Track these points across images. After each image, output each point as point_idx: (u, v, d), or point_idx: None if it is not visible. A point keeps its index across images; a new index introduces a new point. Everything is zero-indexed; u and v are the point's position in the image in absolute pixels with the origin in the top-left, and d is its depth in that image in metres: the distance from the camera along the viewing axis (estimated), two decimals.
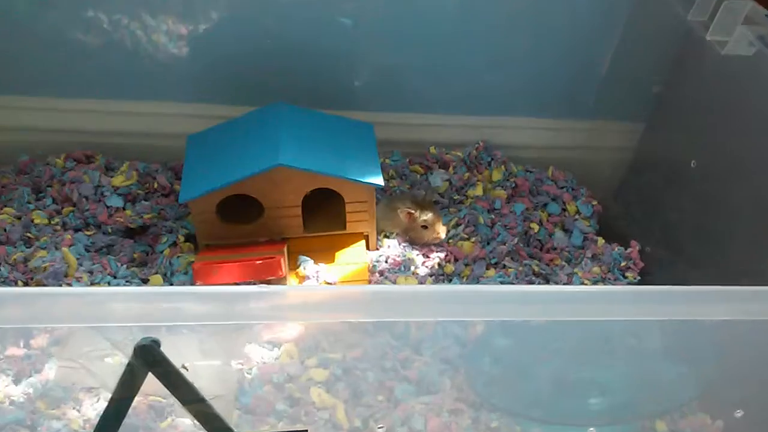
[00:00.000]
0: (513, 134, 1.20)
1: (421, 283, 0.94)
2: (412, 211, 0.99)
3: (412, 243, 1.01)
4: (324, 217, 0.99)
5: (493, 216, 1.10)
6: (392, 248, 0.99)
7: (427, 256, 1.00)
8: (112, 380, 0.55)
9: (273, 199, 0.92)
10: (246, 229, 0.94)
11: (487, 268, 1.02)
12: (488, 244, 1.06)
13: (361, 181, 0.92)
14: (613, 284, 0.99)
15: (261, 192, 0.91)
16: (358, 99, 1.14)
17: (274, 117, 0.97)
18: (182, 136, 1.01)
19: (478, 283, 1.00)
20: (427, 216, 1.00)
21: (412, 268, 0.97)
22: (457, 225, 1.07)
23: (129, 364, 0.53)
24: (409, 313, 0.58)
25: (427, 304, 0.58)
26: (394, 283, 0.93)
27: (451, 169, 1.16)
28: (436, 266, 0.99)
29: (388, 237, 1.01)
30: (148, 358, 0.52)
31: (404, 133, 1.17)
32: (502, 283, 0.98)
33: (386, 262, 0.97)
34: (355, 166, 0.93)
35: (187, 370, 0.56)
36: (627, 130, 1.17)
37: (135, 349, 0.52)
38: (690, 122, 1.04)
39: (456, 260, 1.02)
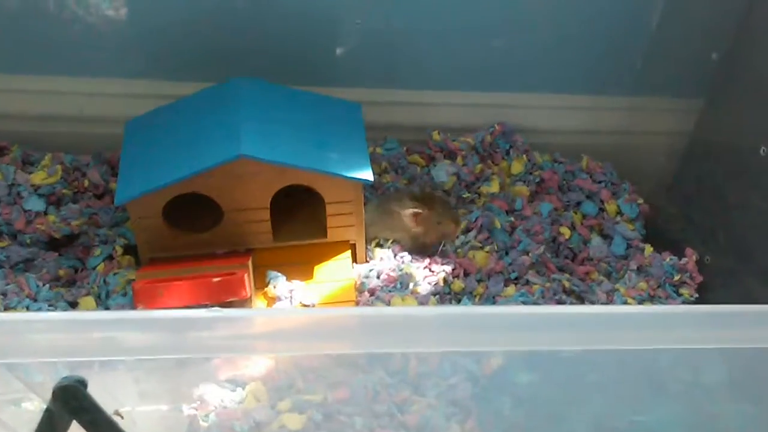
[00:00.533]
0: (537, 115, 1.20)
1: (422, 304, 0.94)
2: (419, 211, 1.00)
3: (421, 249, 1.01)
4: (299, 223, 0.98)
5: (512, 219, 1.10)
6: (386, 260, 0.99)
7: (431, 270, 1.00)
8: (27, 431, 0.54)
9: (234, 200, 0.92)
10: (200, 238, 0.94)
11: (506, 285, 1.02)
12: (507, 254, 1.06)
13: (345, 176, 0.92)
14: (664, 303, 0.99)
15: (219, 191, 0.91)
16: (341, 72, 1.14)
17: (235, 96, 0.97)
18: (120, 121, 1.01)
19: (494, 303, 1.00)
20: (438, 210, 1.01)
21: (411, 285, 0.97)
22: (468, 230, 1.07)
23: (47, 411, 0.52)
24: (407, 342, 0.59)
25: (430, 331, 0.58)
26: (389, 304, 0.93)
27: (459, 159, 1.16)
28: (442, 283, 0.99)
29: (381, 246, 1.02)
30: (71, 403, 0.51)
31: (400, 115, 1.17)
32: (524, 303, 0.99)
33: (378, 278, 0.97)
34: (338, 157, 0.93)
35: (122, 417, 0.55)
36: (681, 109, 1.18)
37: (54, 391, 0.51)
38: (760, 100, 1.04)
39: (466, 275, 1.02)
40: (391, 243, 1.02)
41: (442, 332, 0.58)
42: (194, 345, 0.53)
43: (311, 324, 0.57)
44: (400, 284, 0.97)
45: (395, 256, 1.00)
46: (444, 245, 1.03)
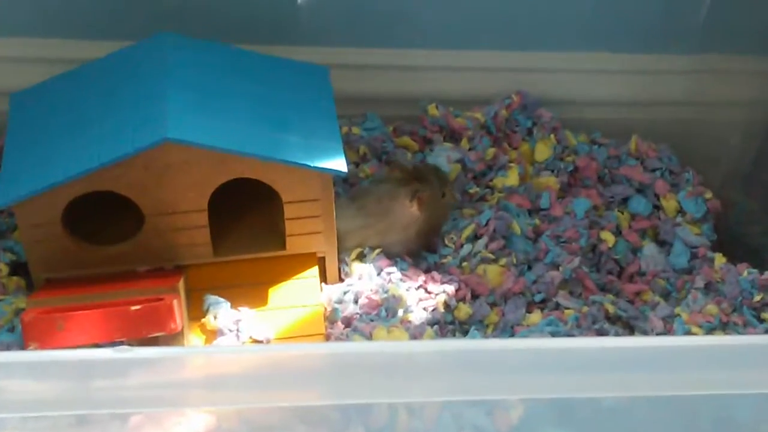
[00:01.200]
0: (569, 82, 1.20)
1: (415, 337, 0.94)
2: (423, 192, 1.02)
3: (429, 242, 1.04)
4: (248, 230, 0.98)
5: (537, 221, 1.10)
6: (366, 279, 0.99)
7: (427, 291, 1.00)
8: None
9: (159, 201, 0.92)
10: (114, 251, 0.94)
11: (529, 310, 1.02)
12: (530, 268, 1.06)
13: (310, 167, 0.92)
14: (742, 333, 0.99)
15: (138, 189, 0.91)
16: (304, 27, 1.15)
17: (159, 59, 0.97)
18: (3, 93, 1.01)
19: (512, 336, 0.99)
20: (436, 181, 1.05)
21: (401, 312, 0.97)
22: (476, 237, 1.07)
23: None
24: (395, 389, 0.58)
25: (425, 374, 0.58)
26: (370, 338, 0.93)
27: (465, 141, 1.16)
28: (442, 308, 0.99)
29: (364, 258, 1.02)
30: None
31: (384, 83, 1.17)
32: (553, 335, 0.98)
33: (356, 302, 0.97)
34: (300, 140, 0.93)
35: None
36: (760, 71, 1.19)
37: None
38: None
39: (475, 297, 1.02)
40: (376, 254, 1.01)
41: (441, 375, 0.58)
42: (103, 397, 0.52)
43: (266, 366, 0.56)
44: (386, 311, 0.96)
45: (379, 272, 1.00)
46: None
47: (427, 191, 1.03)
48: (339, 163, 0.93)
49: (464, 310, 0.99)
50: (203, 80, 0.96)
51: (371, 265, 1.01)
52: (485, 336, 0.98)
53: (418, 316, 0.97)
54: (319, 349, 0.65)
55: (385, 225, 1.03)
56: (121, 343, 0.85)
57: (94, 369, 0.53)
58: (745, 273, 1.04)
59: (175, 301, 0.87)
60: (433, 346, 0.67)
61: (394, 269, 1.01)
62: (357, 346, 0.71)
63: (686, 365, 0.61)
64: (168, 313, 0.87)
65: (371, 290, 0.97)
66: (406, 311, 0.97)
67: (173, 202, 0.92)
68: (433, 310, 0.98)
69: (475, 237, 1.06)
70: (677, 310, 1.01)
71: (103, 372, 0.54)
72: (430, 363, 0.59)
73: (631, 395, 0.62)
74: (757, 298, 1.02)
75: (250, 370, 0.56)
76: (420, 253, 1.05)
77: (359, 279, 0.99)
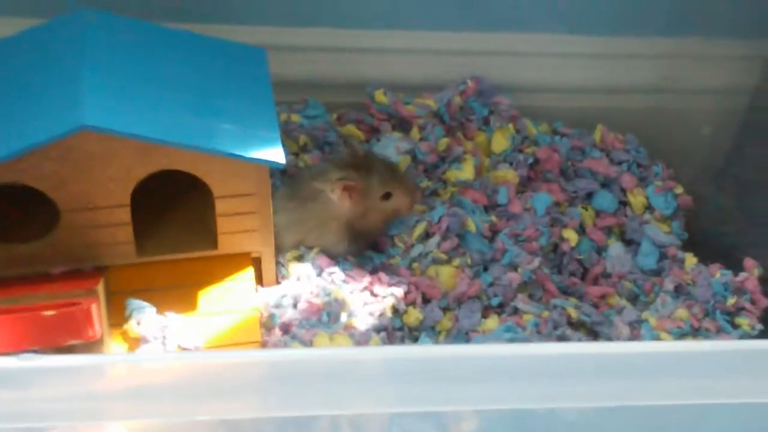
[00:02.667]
0: (530, 66, 1.21)
1: (360, 345, 0.94)
2: (351, 182, 1.01)
3: (365, 244, 1.03)
4: (175, 227, 0.98)
5: (494, 218, 1.11)
6: (305, 281, 0.99)
7: (373, 294, 1.01)
8: None
9: (76, 195, 0.91)
10: (25, 250, 0.93)
11: (485, 315, 1.03)
12: (486, 270, 1.06)
13: (243, 158, 0.92)
14: (713, 339, 1.00)
15: (52, 181, 0.90)
16: (239, 3, 1.14)
17: (76, 38, 0.96)
18: None
19: (467, 342, 1.00)
20: (381, 177, 1.02)
21: (345, 317, 0.97)
22: (428, 236, 1.07)
23: None
24: (337, 400, 0.58)
25: (371, 383, 0.58)
26: (310, 345, 0.93)
27: (415, 131, 1.16)
28: (390, 313, 0.99)
29: (302, 258, 1.02)
30: None
31: (327, 66, 1.18)
32: (511, 341, 0.99)
33: (295, 307, 0.98)
34: (233, 128, 0.93)
35: None
36: (740, 55, 1.20)
37: None
38: None
39: (426, 301, 1.02)
40: (315, 253, 1.01)
41: (388, 384, 0.59)
42: (6, 411, 0.52)
43: (195, 375, 0.56)
44: (328, 315, 0.97)
45: (320, 273, 1.00)
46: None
47: (358, 183, 1.01)
48: (276, 154, 0.93)
49: (414, 315, 1.00)
50: (126, 62, 0.95)
51: (310, 264, 1.01)
52: (436, 343, 0.99)
53: (363, 321, 0.97)
54: (254, 355, 0.64)
55: (311, 214, 1.03)
56: (33, 352, 0.87)
57: (6, 378, 0.53)
58: (718, 275, 1.05)
59: (93, 306, 0.86)
60: (379, 352, 0.67)
61: (335, 269, 1.01)
62: (295, 353, 0.71)
63: (655, 373, 0.62)
64: (85, 319, 0.86)
65: (311, 293, 0.97)
66: (350, 316, 0.97)
67: (92, 196, 0.91)
68: (379, 315, 0.99)
69: (426, 235, 1.07)
70: (645, 314, 1.03)
71: (6, 383, 0.53)
72: (375, 371, 0.59)
73: (593, 406, 0.63)
74: (731, 301, 1.03)
75: (176, 380, 0.56)
76: (344, 256, 1.04)
77: (298, 280, 0.99)
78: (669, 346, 0.77)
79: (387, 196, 1.03)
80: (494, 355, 0.63)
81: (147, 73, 0.95)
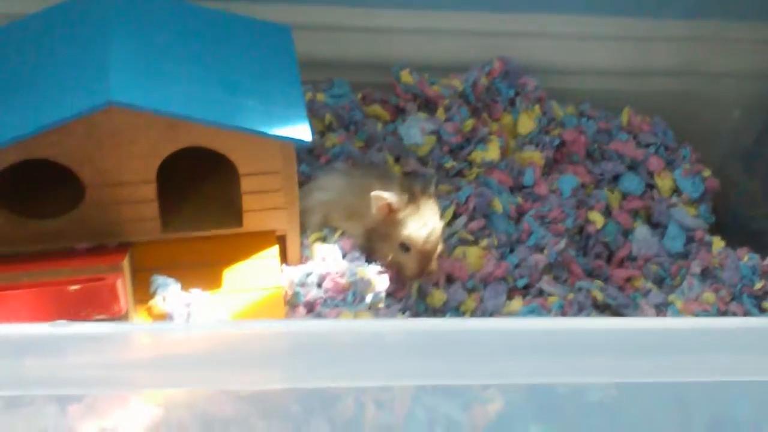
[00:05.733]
0: (557, 47, 1.21)
1: None
2: (395, 205, 0.99)
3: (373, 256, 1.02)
4: (201, 205, 0.98)
5: (520, 199, 1.10)
6: (330, 261, 0.99)
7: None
8: None
9: (102, 171, 0.91)
10: (51, 226, 0.93)
11: (510, 297, 1.03)
12: (511, 251, 1.06)
13: (269, 135, 0.91)
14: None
15: (78, 157, 0.90)
16: None
17: (103, 14, 0.96)
18: None
19: None
20: (417, 225, 0.99)
21: (369, 297, 0.97)
22: (455, 216, 1.07)
23: None
24: (362, 372, 0.58)
25: (395, 356, 0.58)
26: None
27: (441, 112, 1.16)
28: (414, 294, 0.99)
29: (325, 240, 1.02)
30: None
31: (353, 46, 1.18)
32: None
33: (319, 285, 0.97)
34: (258, 105, 0.93)
35: None
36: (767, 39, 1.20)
37: None
38: None
39: (451, 282, 1.02)
40: (338, 236, 1.01)
41: (412, 357, 0.58)
42: (38, 376, 0.52)
43: (221, 345, 0.56)
44: (353, 295, 0.96)
45: (344, 254, 1.00)
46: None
47: (399, 211, 0.99)
48: (302, 131, 0.92)
49: (439, 296, 1.00)
50: (153, 38, 0.95)
51: (335, 246, 1.00)
52: None
53: (387, 301, 0.97)
54: (277, 327, 0.64)
55: (353, 201, 1.02)
56: None
57: (26, 346, 0.53)
58: (746, 258, 1.05)
59: (118, 281, 0.86)
60: (403, 325, 0.67)
61: (358, 254, 1.00)
62: (319, 323, 0.70)
63: (681, 348, 0.61)
64: (111, 294, 0.86)
65: (336, 272, 0.97)
66: (375, 297, 0.97)
67: (118, 173, 0.91)
68: (404, 296, 0.99)
69: (453, 216, 1.07)
70: (671, 297, 1.02)
71: (38, 349, 0.53)
72: (400, 344, 0.59)
73: (618, 381, 0.62)
74: (758, 285, 1.03)
75: (204, 349, 0.56)
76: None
77: (323, 261, 0.99)
78: (697, 321, 0.77)
79: (404, 247, 1.00)
80: (517, 330, 0.63)
81: (174, 50, 0.95)
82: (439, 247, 1.01)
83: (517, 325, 0.65)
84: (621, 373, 0.61)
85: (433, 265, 1.01)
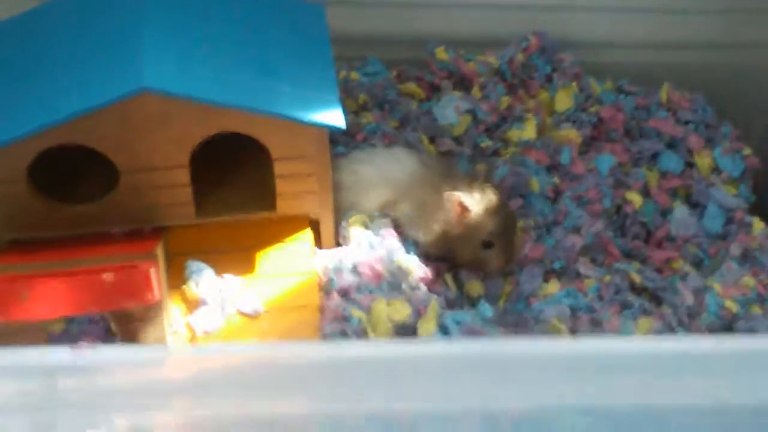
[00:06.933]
0: (594, 22, 1.20)
1: (418, 311, 0.93)
2: (468, 206, 0.98)
3: (441, 251, 1.01)
4: (234, 189, 0.98)
5: (556, 179, 1.10)
6: (365, 246, 0.98)
7: (433, 262, 1.00)
8: None
9: (135, 156, 0.92)
10: (86, 211, 0.94)
11: (546, 279, 1.03)
12: (548, 232, 1.06)
13: (302, 121, 0.91)
14: None
15: (112, 142, 0.91)
16: None
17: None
18: None
19: (527, 307, 1.00)
20: (499, 226, 0.99)
21: (405, 285, 0.96)
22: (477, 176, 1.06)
23: None
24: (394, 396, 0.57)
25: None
26: (368, 311, 0.92)
27: (476, 89, 1.15)
28: (452, 285, 0.99)
29: (367, 225, 1.00)
30: None
31: (387, 22, 1.18)
32: (572, 307, 0.98)
33: (354, 271, 0.97)
34: (291, 89, 0.93)
35: None
36: None
37: None
38: None
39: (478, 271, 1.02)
40: (384, 224, 1.00)
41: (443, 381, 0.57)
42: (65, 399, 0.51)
43: (264, 363, 0.55)
44: (388, 284, 0.96)
45: (383, 240, 0.99)
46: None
47: (475, 213, 0.99)
48: (336, 117, 0.92)
49: (475, 286, 1.00)
50: (185, 21, 0.95)
51: (373, 233, 0.99)
52: (498, 309, 0.98)
53: (422, 290, 0.96)
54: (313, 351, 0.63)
55: (426, 198, 1.00)
56: (94, 315, 0.88)
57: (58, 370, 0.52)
58: None
59: (152, 269, 0.86)
60: (437, 348, 0.65)
61: (398, 244, 0.99)
62: (356, 347, 0.69)
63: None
64: (144, 282, 0.85)
65: (371, 259, 0.97)
66: (410, 286, 0.96)
67: (151, 158, 0.92)
68: (438, 283, 0.99)
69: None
70: (710, 281, 1.01)
71: (67, 369, 0.52)
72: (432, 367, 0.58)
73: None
74: None
75: (231, 373, 0.55)
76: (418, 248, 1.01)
77: (357, 246, 0.98)
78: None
79: (487, 245, 1.00)
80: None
81: (205, 33, 0.95)
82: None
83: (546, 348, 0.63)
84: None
85: (517, 254, 1.01)
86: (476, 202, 0.99)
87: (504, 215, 1.00)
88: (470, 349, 0.61)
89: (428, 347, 0.63)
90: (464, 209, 0.99)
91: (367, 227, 1.00)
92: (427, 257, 1.00)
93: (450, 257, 1.02)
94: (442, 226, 1.00)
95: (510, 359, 0.60)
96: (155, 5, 0.95)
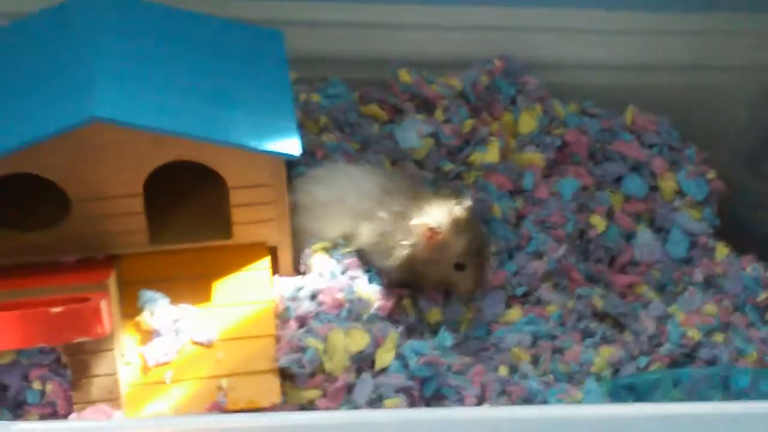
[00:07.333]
0: (559, 43, 1.20)
1: (377, 341, 0.92)
2: (437, 230, 0.96)
3: (409, 278, 0.99)
4: (190, 216, 0.98)
5: (519, 203, 1.09)
6: (327, 275, 0.97)
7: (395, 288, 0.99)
8: None
9: (87, 185, 0.91)
10: (37, 239, 0.93)
11: (509, 305, 1.02)
12: (510, 258, 1.05)
13: (258, 150, 0.91)
14: (744, 335, 0.98)
15: (63, 171, 0.90)
16: None
17: (90, 20, 0.95)
18: None
19: (489, 333, 0.99)
20: (468, 246, 0.97)
21: (366, 316, 0.95)
22: (442, 191, 1.04)
23: None
24: None
25: None
26: (325, 339, 0.91)
27: (439, 112, 1.15)
28: (411, 313, 0.99)
29: (329, 251, 0.98)
30: None
31: (350, 43, 1.17)
32: (534, 334, 0.98)
33: (312, 299, 0.95)
34: (246, 117, 0.93)
35: None
36: None
37: None
38: None
39: (448, 293, 1.01)
40: (347, 252, 0.98)
41: None
42: None
43: None
44: (348, 312, 0.94)
45: (344, 271, 0.98)
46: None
47: (442, 235, 0.96)
48: (292, 145, 0.92)
49: (434, 314, 1.00)
50: (139, 46, 0.95)
51: (335, 260, 0.98)
52: (458, 337, 0.97)
53: (383, 319, 0.96)
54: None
55: (389, 227, 0.98)
56: (41, 349, 0.87)
57: None
58: (749, 269, 1.03)
59: (102, 302, 0.85)
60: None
61: (360, 275, 0.97)
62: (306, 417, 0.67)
63: None
64: (94, 316, 0.84)
65: (332, 287, 0.95)
66: (370, 317, 0.95)
67: (104, 186, 0.91)
68: (400, 314, 0.98)
69: None
70: (672, 309, 1.01)
71: None
72: None
73: None
74: (763, 296, 1.01)
75: None
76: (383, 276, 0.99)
77: (319, 276, 0.97)
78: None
79: (459, 267, 0.98)
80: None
81: (161, 58, 0.95)
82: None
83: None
84: None
85: (486, 276, 1.00)
86: (445, 223, 0.97)
87: (475, 234, 0.99)
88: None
89: None
90: (433, 233, 0.97)
91: (330, 255, 0.99)
92: (390, 284, 0.99)
93: (416, 281, 1.00)
94: (409, 251, 0.98)
95: None
96: (109, 29, 0.95)
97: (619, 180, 1.14)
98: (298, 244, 0.99)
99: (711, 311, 1.00)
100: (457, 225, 0.98)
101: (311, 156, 1.08)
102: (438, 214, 0.97)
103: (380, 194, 1.00)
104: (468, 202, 1.00)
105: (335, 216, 1.00)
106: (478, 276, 0.99)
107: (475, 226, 1.00)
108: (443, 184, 1.08)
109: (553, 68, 1.19)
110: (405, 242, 0.98)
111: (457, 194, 1.02)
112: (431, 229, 0.97)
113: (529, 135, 1.15)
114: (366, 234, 0.99)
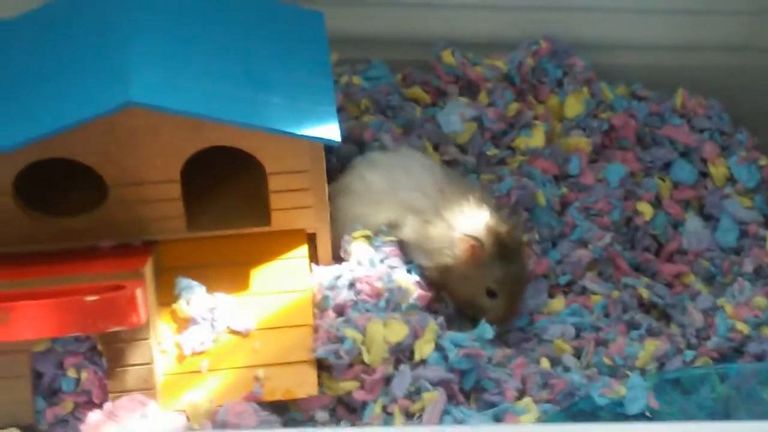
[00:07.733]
0: (606, 24, 1.18)
1: (416, 332, 0.90)
2: (480, 248, 0.93)
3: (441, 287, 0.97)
4: (228, 203, 0.97)
5: (564, 190, 1.08)
6: (364, 263, 0.96)
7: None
8: None
9: (124, 170, 0.90)
10: (74, 224, 0.93)
11: (551, 295, 1.01)
12: (554, 246, 1.04)
13: (297, 135, 0.89)
14: None
15: (99, 156, 0.90)
16: None
17: (122, 4, 0.94)
18: None
19: (531, 324, 0.98)
20: (505, 275, 0.94)
21: (405, 306, 0.93)
22: (495, 209, 1.02)
23: None
24: None
25: None
26: (363, 331, 0.89)
27: (483, 95, 1.13)
28: (447, 299, 0.97)
29: (370, 240, 0.97)
30: None
31: (392, 24, 1.16)
32: (576, 326, 0.96)
33: (350, 287, 0.94)
34: (285, 102, 0.91)
35: None
36: None
37: None
38: None
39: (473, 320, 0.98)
40: (389, 240, 0.97)
41: None
42: None
43: None
44: (386, 302, 0.93)
45: (382, 260, 0.96)
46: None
47: (484, 254, 0.94)
48: (331, 130, 0.91)
49: None
50: (175, 28, 0.94)
51: (374, 249, 0.97)
52: (500, 328, 0.95)
53: (422, 310, 0.94)
54: None
55: (435, 230, 0.97)
56: (76, 338, 0.86)
57: None
58: None
59: (138, 290, 0.84)
60: None
61: (399, 263, 0.96)
62: None
63: None
64: (129, 305, 0.83)
65: (371, 276, 0.94)
66: (409, 307, 0.93)
67: (140, 172, 0.91)
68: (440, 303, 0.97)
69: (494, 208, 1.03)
70: (720, 301, 0.99)
71: None
72: None
73: None
74: None
75: None
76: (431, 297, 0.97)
77: (357, 264, 0.96)
78: None
79: (491, 293, 0.95)
80: None
81: (197, 41, 0.94)
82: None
83: None
84: None
85: (518, 309, 0.97)
86: (491, 243, 0.94)
87: (517, 263, 0.95)
88: None
89: None
90: (475, 249, 0.94)
91: (370, 243, 0.98)
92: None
93: (447, 293, 0.98)
94: (448, 261, 0.96)
95: None
96: (143, 11, 0.94)
97: (667, 166, 1.12)
98: (340, 230, 0.98)
99: (761, 304, 0.97)
100: (503, 248, 0.94)
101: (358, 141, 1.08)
102: (486, 231, 0.94)
103: (434, 192, 0.98)
104: (521, 228, 0.98)
105: (384, 204, 0.99)
106: (508, 308, 0.96)
107: (521, 256, 0.97)
108: (504, 204, 1.04)
109: (600, 49, 1.18)
110: (446, 250, 0.96)
111: (515, 215, 1.00)
112: (474, 245, 0.94)
113: (575, 119, 1.13)
114: (410, 229, 0.98)
